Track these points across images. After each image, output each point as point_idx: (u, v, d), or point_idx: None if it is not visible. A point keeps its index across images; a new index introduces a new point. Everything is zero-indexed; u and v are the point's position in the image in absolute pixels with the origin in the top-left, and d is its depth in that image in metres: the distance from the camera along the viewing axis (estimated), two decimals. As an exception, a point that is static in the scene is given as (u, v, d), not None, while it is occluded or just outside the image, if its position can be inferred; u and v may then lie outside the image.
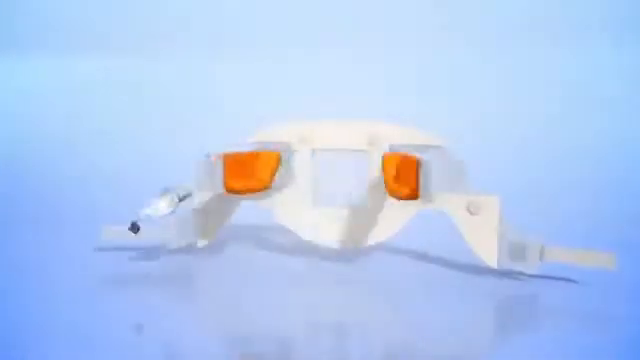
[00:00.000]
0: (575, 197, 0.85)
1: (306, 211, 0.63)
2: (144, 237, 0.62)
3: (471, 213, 0.58)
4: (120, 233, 0.64)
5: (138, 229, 0.59)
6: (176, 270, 0.62)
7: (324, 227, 0.62)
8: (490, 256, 0.58)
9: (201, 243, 0.65)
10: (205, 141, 0.66)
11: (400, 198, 0.59)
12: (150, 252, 0.64)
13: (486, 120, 1.02)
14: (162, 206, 0.59)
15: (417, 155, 0.59)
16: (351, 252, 0.63)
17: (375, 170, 0.61)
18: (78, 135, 1.02)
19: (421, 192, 0.57)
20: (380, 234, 0.62)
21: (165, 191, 0.60)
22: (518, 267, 0.58)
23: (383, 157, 0.59)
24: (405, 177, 0.58)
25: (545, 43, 1.09)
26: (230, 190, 0.61)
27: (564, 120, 1.03)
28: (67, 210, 0.80)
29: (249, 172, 0.61)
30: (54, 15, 1.12)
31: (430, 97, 1.04)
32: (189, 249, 0.65)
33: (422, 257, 0.65)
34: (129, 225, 0.59)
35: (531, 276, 0.58)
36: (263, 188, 0.62)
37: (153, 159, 0.95)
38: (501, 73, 1.08)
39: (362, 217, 0.62)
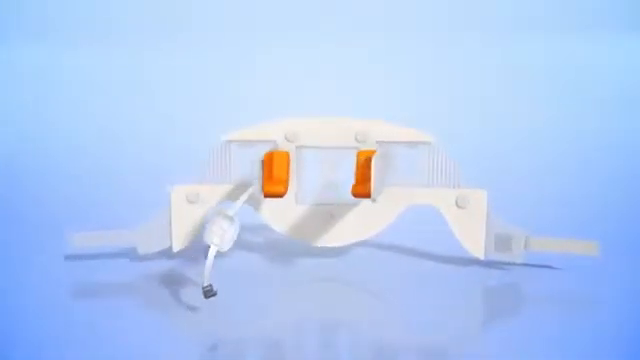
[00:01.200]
0: (574, 196, 0.85)
1: (291, 209, 0.62)
2: (118, 243, 0.61)
3: (459, 207, 0.59)
4: (91, 239, 0.62)
5: (214, 294, 0.53)
6: (158, 275, 0.60)
7: (310, 225, 0.62)
8: (477, 248, 0.59)
9: (177, 247, 0.62)
10: (205, 141, 0.65)
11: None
12: (134, 257, 0.63)
13: (484, 118, 1.03)
14: (227, 237, 0.54)
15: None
16: (338, 249, 0.63)
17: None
18: (78, 135, 1.02)
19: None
20: (367, 231, 0.61)
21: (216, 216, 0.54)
22: (504, 257, 0.59)
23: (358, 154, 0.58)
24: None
25: (544, 42, 1.09)
26: (269, 194, 0.57)
27: (563, 119, 1.04)
28: (66, 210, 0.80)
29: (271, 174, 0.58)
30: (54, 11, 1.12)
31: (429, 96, 1.04)
32: (168, 253, 0.62)
33: (409, 250, 0.65)
34: (204, 293, 0.52)
35: (519, 265, 0.59)
36: (287, 190, 0.59)
37: (153, 159, 0.95)
38: (500, 71, 1.08)
39: (348, 215, 0.61)
